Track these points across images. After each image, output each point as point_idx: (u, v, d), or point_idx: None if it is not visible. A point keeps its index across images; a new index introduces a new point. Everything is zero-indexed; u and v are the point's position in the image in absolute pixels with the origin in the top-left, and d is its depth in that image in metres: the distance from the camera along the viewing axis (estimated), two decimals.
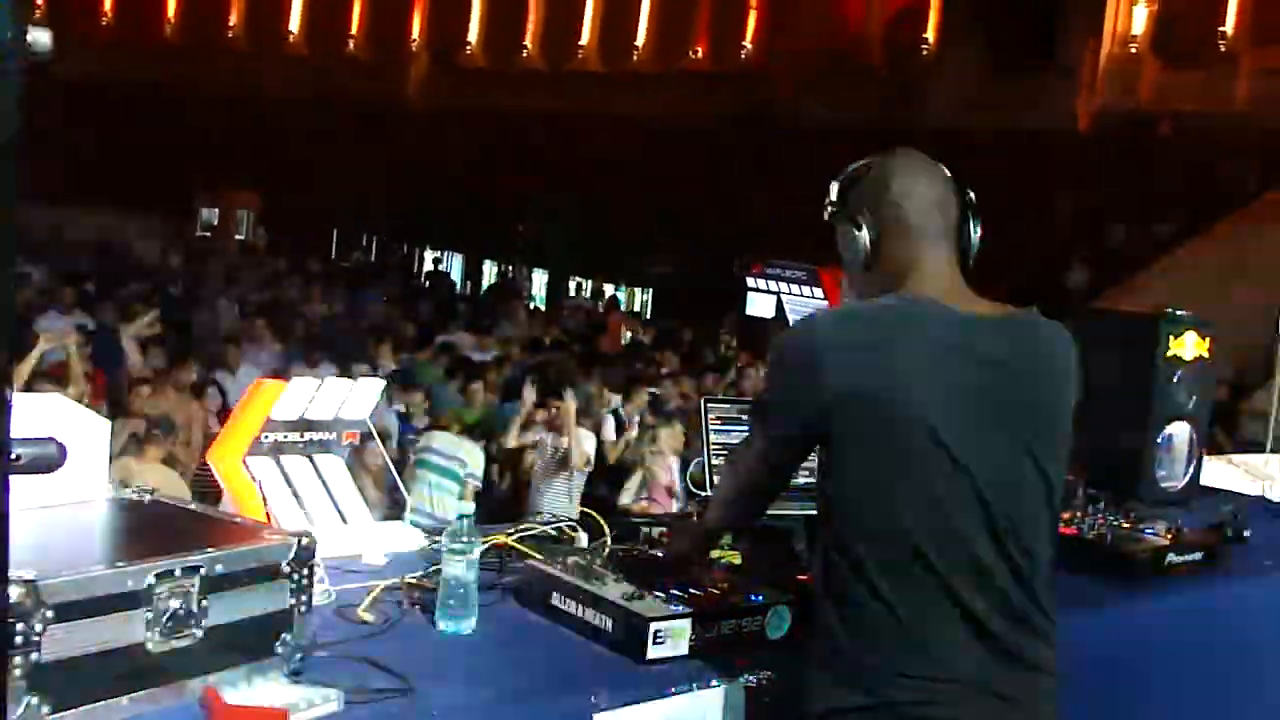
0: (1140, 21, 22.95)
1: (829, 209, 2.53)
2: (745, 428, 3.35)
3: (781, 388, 2.43)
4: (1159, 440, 4.49)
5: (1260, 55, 21.27)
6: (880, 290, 2.40)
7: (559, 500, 8.67)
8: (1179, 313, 4.54)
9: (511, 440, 9.54)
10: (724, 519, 2.82)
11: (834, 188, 2.54)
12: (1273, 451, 9.24)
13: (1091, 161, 20.77)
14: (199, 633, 2.10)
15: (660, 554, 3.04)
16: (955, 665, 2.22)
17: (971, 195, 2.49)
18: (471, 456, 8.70)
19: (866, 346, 2.27)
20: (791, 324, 2.45)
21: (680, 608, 2.62)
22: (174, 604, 2.06)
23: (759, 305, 22.33)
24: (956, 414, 2.25)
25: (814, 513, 2.47)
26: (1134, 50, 22.95)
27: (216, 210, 28.25)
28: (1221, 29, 22.03)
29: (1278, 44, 20.83)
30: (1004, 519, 2.27)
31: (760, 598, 2.74)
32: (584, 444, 9.07)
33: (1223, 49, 21.97)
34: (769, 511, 3.60)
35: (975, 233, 2.47)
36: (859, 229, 2.44)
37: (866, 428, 2.26)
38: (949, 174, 2.47)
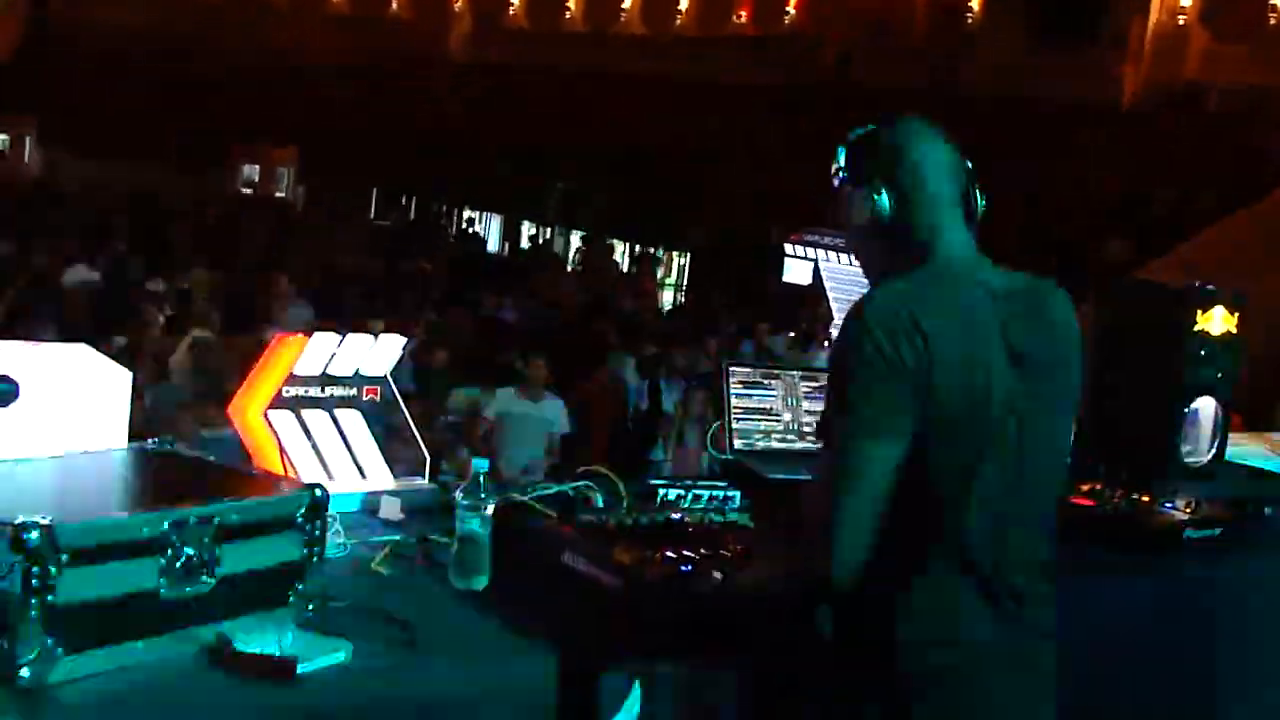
0: None
1: (839, 174, 2.46)
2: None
3: (885, 374, 2.17)
4: (1184, 414, 4.46)
5: None
6: (904, 259, 2.35)
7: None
8: (1208, 287, 4.51)
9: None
10: (848, 551, 2.23)
11: (843, 152, 2.47)
12: None
13: (1137, 133, 20.57)
14: (212, 581, 2.14)
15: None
16: (986, 636, 2.26)
17: (969, 163, 2.46)
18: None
19: (947, 319, 2.21)
20: (859, 302, 2.25)
21: (689, 568, 2.64)
22: (188, 552, 2.10)
23: (796, 272, 22.28)
24: (1011, 389, 2.25)
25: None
26: (1182, 22, 22.69)
27: (258, 167, 28.38)
28: (1272, 2, 21.75)
29: None
30: (1035, 496, 2.31)
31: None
32: (556, 414, 8.76)
33: (1273, 22, 21.69)
34: (782, 475, 3.66)
35: (980, 200, 2.46)
36: (878, 193, 2.37)
37: (952, 406, 2.20)
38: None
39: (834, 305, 20.97)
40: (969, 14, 25.42)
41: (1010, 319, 2.28)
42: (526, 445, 8.65)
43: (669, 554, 2.70)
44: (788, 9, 29.12)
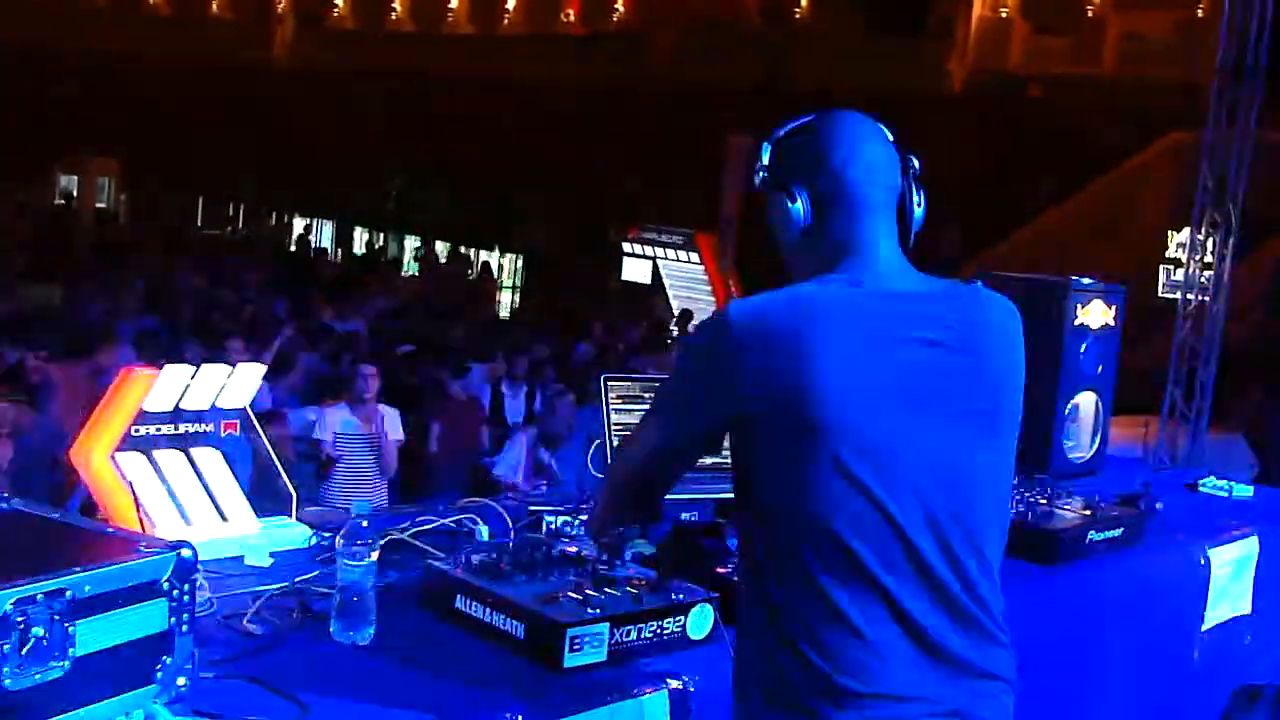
0: None
1: (759, 175, 2.24)
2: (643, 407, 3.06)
3: (690, 384, 2.16)
4: (1067, 411, 4.40)
5: (1125, 20, 21.62)
6: (816, 269, 2.15)
7: (372, 499, 7.24)
8: (1086, 280, 4.45)
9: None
10: (612, 514, 2.45)
11: (765, 150, 2.24)
12: (1152, 413, 9.34)
13: (964, 124, 20.90)
14: (66, 664, 1.85)
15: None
16: (906, 683, 2.01)
17: (915, 161, 2.26)
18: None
19: (785, 341, 2.01)
20: (729, 304, 2.13)
21: (597, 611, 2.42)
22: (36, 633, 1.81)
23: (635, 270, 22.20)
24: (891, 404, 2.03)
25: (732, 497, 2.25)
26: (1004, 14, 23.18)
27: (75, 178, 27.28)
28: None
29: (1141, 9, 21.16)
30: (950, 515, 2.06)
31: (682, 596, 2.56)
32: (392, 427, 8.00)
33: (1090, 13, 22.30)
34: (681, 495, 3.46)
35: (920, 204, 2.26)
36: (793, 200, 2.16)
37: (787, 428, 2.01)
38: (891, 137, 2.21)
39: (674, 302, 21.04)
40: (798, 8, 25.61)
41: (921, 321, 2.09)
42: (365, 468, 7.91)
43: (571, 594, 2.49)
44: (616, 7, 29.03)
